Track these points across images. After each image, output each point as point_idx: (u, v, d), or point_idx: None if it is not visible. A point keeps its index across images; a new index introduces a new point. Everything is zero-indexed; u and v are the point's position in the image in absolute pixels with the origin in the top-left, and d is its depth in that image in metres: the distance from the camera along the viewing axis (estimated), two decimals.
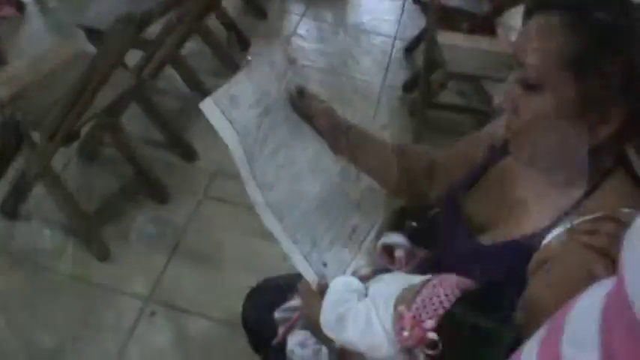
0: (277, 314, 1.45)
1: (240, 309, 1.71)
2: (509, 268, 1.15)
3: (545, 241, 1.12)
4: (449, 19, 3.61)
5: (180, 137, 3.02)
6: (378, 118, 3.62)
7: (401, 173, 1.52)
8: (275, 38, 3.99)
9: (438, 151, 1.54)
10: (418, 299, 1.04)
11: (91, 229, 2.54)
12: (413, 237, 1.42)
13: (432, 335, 1.00)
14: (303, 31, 4.30)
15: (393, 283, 1.19)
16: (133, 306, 2.38)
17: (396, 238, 1.40)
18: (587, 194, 1.14)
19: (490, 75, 3.21)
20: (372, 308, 1.15)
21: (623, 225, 1.03)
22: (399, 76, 4.00)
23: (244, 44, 3.88)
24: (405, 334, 1.02)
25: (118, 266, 2.50)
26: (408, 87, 3.83)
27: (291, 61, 1.39)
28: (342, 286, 1.24)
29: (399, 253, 1.38)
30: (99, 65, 2.04)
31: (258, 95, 1.28)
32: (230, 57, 3.61)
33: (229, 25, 3.79)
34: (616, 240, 1.01)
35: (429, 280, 1.09)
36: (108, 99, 2.39)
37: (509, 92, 1.14)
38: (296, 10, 4.53)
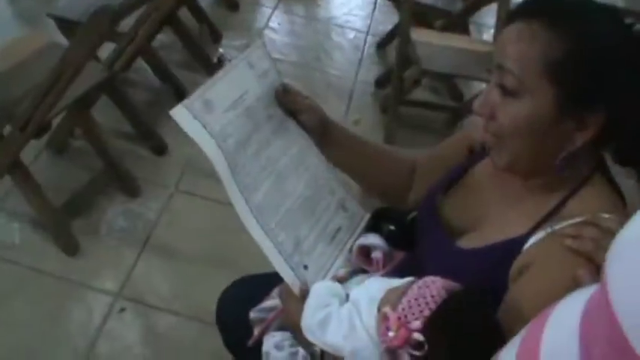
0: (253, 314, 1.44)
1: (212, 306, 1.69)
2: (488, 273, 1.15)
3: (526, 246, 1.13)
4: (422, 16, 3.63)
5: (152, 130, 2.98)
6: (351, 113, 3.62)
7: (382, 173, 1.52)
8: (256, 38, 3.97)
9: (420, 153, 1.54)
10: (404, 300, 1.05)
11: (60, 223, 2.50)
12: (390, 240, 1.42)
13: (418, 336, 1.00)
14: (275, 24, 4.28)
15: (375, 287, 1.19)
16: (103, 302, 2.35)
17: (373, 240, 1.40)
18: (566, 200, 1.15)
19: (464, 73, 3.23)
20: (355, 312, 1.15)
21: (605, 231, 1.04)
22: (372, 71, 4.00)
23: (216, 37, 3.86)
24: (391, 334, 1.02)
25: (88, 261, 2.47)
26: (381, 83, 3.83)
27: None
28: (323, 290, 1.23)
29: (376, 255, 1.38)
30: (72, 57, 2.01)
31: (237, 96, 1.27)
32: (202, 49, 3.57)
33: (201, 17, 3.75)
34: (600, 246, 1.02)
35: (413, 282, 1.09)
36: (79, 91, 2.35)
37: (486, 97, 1.14)
38: (268, 3, 4.50)
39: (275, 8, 4.44)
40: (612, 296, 0.58)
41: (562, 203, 1.15)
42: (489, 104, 1.13)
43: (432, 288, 1.05)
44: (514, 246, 1.14)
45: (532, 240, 1.13)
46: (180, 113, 1.16)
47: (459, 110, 3.63)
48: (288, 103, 1.38)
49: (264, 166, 1.29)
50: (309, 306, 1.20)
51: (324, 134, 1.43)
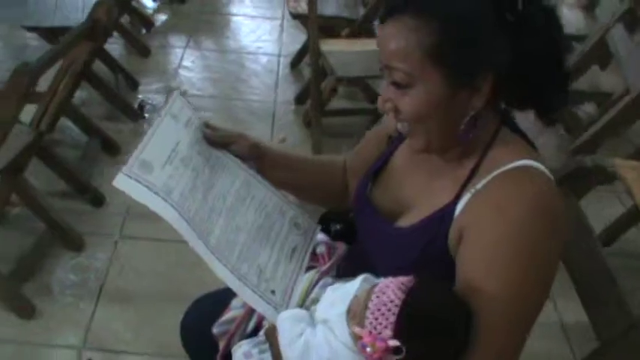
0: (216, 329, 1.47)
1: (175, 339, 1.72)
2: (429, 245, 1.25)
3: (456, 212, 1.22)
4: (328, 28, 3.74)
5: (87, 184, 3.02)
6: (276, 134, 3.71)
7: (319, 182, 1.61)
8: (172, 81, 4.06)
9: (347, 154, 1.63)
10: (368, 314, 1.10)
11: (11, 289, 2.50)
12: (338, 237, 1.51)
13: (394, 342, 1.06)
14: (188, 63, 4.35)
15: (336, 299, 1.24)
16: (68, 357, 2.36)
17: (316, 237, 1.48)
18: (481, 160, 1.25)
19: (378, 74, 3.33)
20: (329, 332, 1.19)
21: (526, 174, 1.18)
22: (290, 90, 4.12)
23: (133, 84, 3.91)
24: (369, 350, 1.08)
25: (46, 321, 2.48)
26: (300, 99, 3.96)
27: (183, 93, 1.42)
28: (288, 321, 1.26)
29: (320, 250, 1.46)
30: None
31: (170, 150, 1.30)
32: (121, 99, 3.63)
33: (115, 67, 3.80)
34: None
35: (371, 291, 1.14)
36: (9, 156, 2.37)
37: (384, 96, 1.23)
38: (178, 43, 4.57)
39: (186, 47, 4.52)
40: None
41: (478, 164, 1.25)
42: (389, 100, 1.23)
43: (389, 293, 1.10)
44: (444, 214, 1.23)
45: (460, 205, 1.22)
46: (122, 181, 1.19)
47: (377, 110, 3.73)
48: (218, 139, 1.42)
49: (212, 207, 1.32)
50: (283, 341, 1.22)
51: (259, 158, 1.47)
